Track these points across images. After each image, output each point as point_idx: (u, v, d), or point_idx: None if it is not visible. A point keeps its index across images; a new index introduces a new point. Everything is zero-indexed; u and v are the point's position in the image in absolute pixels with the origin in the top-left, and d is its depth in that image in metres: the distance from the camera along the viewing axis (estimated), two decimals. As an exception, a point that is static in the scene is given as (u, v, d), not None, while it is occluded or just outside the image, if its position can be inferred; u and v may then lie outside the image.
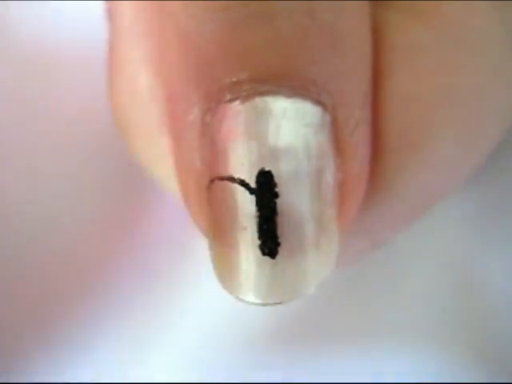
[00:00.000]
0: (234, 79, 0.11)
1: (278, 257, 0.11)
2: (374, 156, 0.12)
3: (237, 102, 0.11)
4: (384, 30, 0.13)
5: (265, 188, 0.11)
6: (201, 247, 0.12)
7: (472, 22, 0.12)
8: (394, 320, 0.17)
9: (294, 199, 0.11)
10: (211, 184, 0.12)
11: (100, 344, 0.17)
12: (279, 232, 0.11)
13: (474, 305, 0.17)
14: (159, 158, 0.15)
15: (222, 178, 0.12)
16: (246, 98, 0.11)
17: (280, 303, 0.12)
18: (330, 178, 0.12)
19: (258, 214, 0.11)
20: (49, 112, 0.19)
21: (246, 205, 0.11)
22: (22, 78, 0.20)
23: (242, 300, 0.12)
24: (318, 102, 0.11)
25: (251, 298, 0.11)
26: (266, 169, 0.11)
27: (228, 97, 0.11)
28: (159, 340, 0.17)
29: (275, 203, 0.11)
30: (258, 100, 0.11)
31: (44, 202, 0.19)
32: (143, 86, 0.14)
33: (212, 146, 0.12)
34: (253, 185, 0.11)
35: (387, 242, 0.14)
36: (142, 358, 0.17)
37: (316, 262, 0.12)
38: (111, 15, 0.15)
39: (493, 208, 0.18)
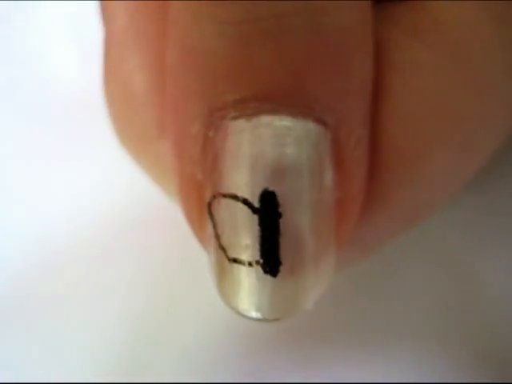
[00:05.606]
0: (239, 96, 0.11)
1: (279, 275, 0.11)
2: (369, 172, 0.13)
3: (241, 120, 0.11)
4: (385, 47, 0.13)
5: (268, 208, 0.11)
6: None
7: (472, 42, 0.13)
8: (394, 320, 0.17)
9: (296, 219, 0.11)
10: (213, 199, 0.12)
11: (100, 344, 0.17)
12: (281, 251, 0.11)
13: (474, 305, 0.17)
14: (154, 162, 0.14)
15: (225, 195, 0.12)
16: (251, 116, 0.11)
17: (279, 319, 0.12)
18: (329, 196, 0.12)
19: (260, 233, 0.11)
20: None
21: (249, 224, 0.11)
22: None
23: (242, 315, 0.12)
24: (319, 120, 0.11)
25: (252, 313, 0.12)
26: (270, 189, 0.11)
27: (232, 114, 0.11)
28: (159, 340, 0.17)
29: (278, 223, 0.11)
30: (262, 118, 0.11)
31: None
32: (138, 91, 0.14)
33: (214, 161, 0.12)
34: (256, 204, 0.11)
35: (377, 251, 0.15)
36: (142, 359, 0.17)
37: (315, 279, 0.12)
38: (105, 18, 0.14)
39: (492, 208, 0.18)
